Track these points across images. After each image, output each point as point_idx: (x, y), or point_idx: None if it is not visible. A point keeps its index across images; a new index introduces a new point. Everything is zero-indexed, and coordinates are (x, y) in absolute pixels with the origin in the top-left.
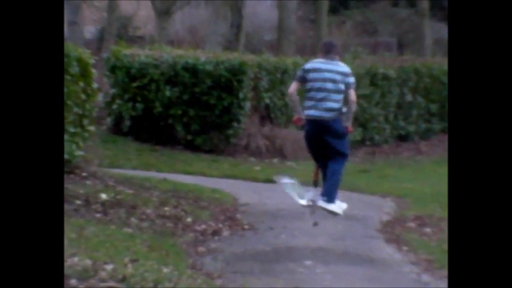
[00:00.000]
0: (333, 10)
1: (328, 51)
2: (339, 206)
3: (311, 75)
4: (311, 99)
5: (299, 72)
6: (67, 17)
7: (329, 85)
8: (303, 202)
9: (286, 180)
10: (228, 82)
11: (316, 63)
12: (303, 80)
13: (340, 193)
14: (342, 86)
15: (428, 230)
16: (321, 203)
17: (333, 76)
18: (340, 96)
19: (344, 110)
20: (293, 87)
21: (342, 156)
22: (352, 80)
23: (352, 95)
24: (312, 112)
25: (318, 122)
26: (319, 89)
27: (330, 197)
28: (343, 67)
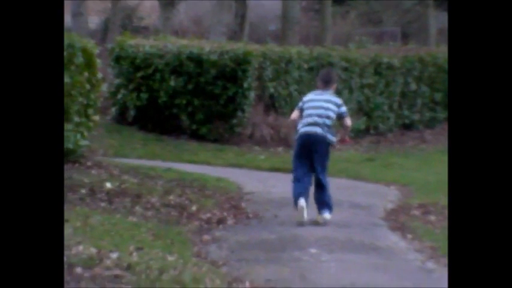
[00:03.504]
0: (338, 0)
1: (325, 83)
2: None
3: (307, 104)
4: (305, 121)
5: (299, 104)
6: (71, 7)
7: (322, 111)
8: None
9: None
10: (232, 72)
11: (313, 94)
12: (302, 110)
13: (345, 182)
14: (334, 115)
15: (432, 217)
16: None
17: (326, 105)
18: (330, 122)
19: (333, 139)
20: (294, 114)
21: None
22: (344, 109)
23: (348, 122)
24: (306, 129)
25: (310, 136)
26: (314, 114)
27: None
28: (335, 99)
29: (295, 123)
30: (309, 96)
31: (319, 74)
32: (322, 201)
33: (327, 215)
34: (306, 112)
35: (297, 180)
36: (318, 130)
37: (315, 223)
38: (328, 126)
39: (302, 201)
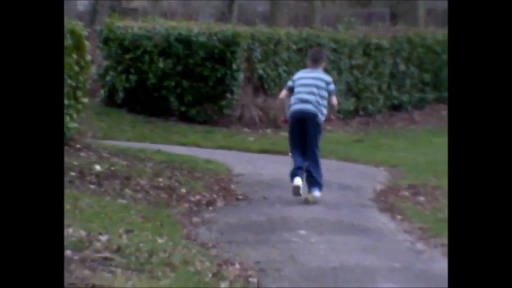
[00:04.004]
0: None
1: (315, 61)
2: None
3: (298, 82)
4: (296, 98)
5: (289, 82)
6: None
7: (313, 89)
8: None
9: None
10: (221, 53)
11: (302, 72)
12: (292, 89)
13: (334, 163)
14: (325, 93)
15: (422, 198)
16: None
17: (317, 82)
18: (323, 101)
19: (322, 118)
20: (283, 93)
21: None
22: (332, 87)
23: (334, 100)
24: (297, 106)
25: (302, 112)
26: (304, 92)
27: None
28: (325, 76)
29: (283, 102)
30: (299, 74)
31: (308, 53)
32: (313, 180)
33: (316, 193)
34: (297, 89)
35: (295, 159)
36: (309, 107)
37: (305, 201)
38: (319, 103)
39: (298, 180)
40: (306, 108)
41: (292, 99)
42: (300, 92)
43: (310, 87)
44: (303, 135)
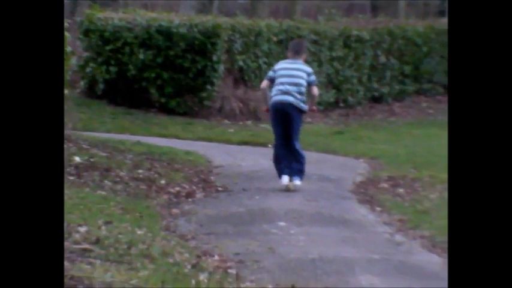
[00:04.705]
0: None
1: (296, 53)
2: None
3: (279, 73)
4: (277, 89)
5: (270, 73)
6: None
7: (294, 80)
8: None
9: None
10: (202, 45)
11: (284, 63)
12: (273, 79)
13: (314, 155)
14: (305, 83)
15: (401, 190)
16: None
17: (298, 73)
18: (304, 91)
19: (305, 106)
20: (265, 83)
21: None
22: (313, 78)
23: (315, 90)
24: (279, 97)
25: (283, 104)
26: (286, 83)
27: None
28: (306, 67)
29: (265, 92)
30: (280, 64)
31: (289, 44)
32: (295, 168)
33: (297, 182)
34: (278, 80)
35: (278, 152)
36: (290, 98)
37: (286, 189)
38: (301, 93)
39: (286, 179)
40: (287, 99)
41: (273, 90)
42: (281, 83)
43: (291, 77)
44: (285, 126)
